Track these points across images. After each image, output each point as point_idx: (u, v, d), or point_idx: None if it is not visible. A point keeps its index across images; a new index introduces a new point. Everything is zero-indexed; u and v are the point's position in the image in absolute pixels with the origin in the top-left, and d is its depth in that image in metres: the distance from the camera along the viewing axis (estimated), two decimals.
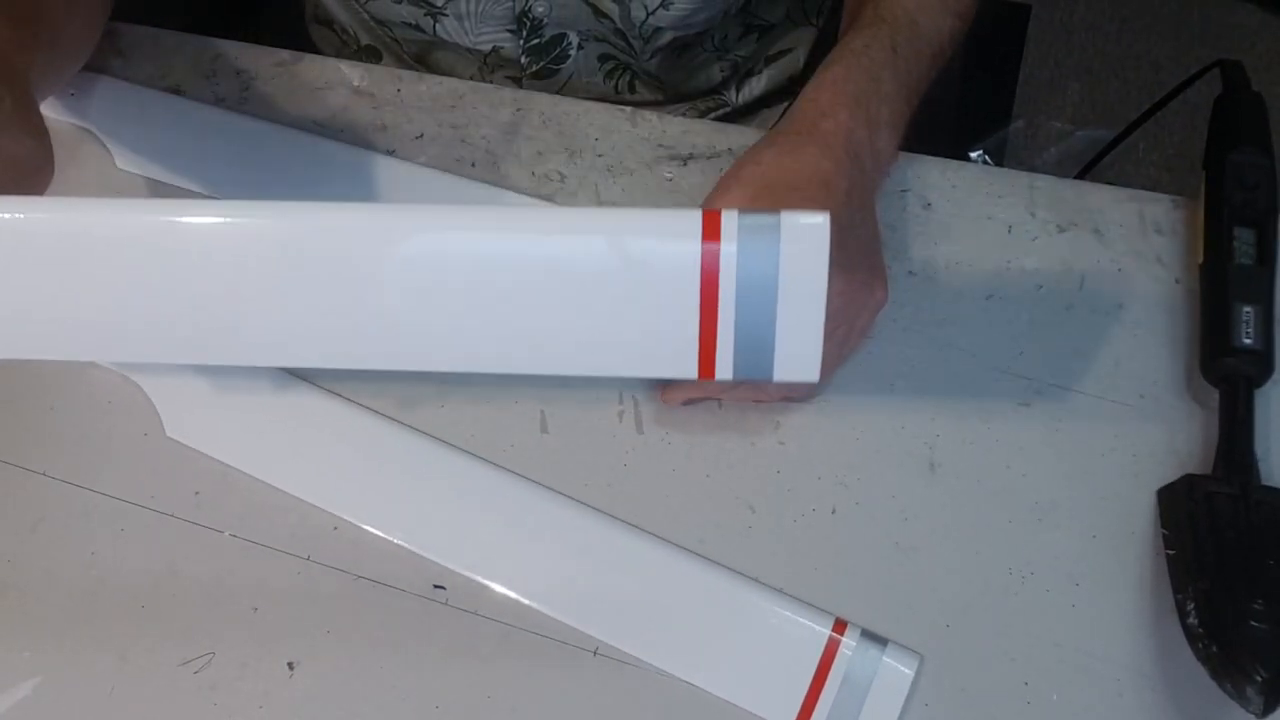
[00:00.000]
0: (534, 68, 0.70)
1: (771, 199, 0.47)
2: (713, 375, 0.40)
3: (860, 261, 0.49)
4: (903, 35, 0.54)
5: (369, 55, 0.76)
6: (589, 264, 0.39)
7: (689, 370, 0.40)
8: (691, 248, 0.38)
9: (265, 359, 0.42)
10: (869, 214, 0.51)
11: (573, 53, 0.69)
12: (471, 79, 0.73)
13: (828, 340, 0.42)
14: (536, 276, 0.39)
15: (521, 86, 0.72)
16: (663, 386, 0.54)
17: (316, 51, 0.81)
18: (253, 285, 0.39)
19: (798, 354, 0.39)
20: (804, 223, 0.37)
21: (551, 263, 0.39)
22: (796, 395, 0.53)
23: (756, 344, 0.39)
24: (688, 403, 0.54)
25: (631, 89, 0.73)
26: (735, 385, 0.48)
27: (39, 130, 0.43)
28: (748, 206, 0.42)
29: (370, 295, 0.39)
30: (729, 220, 0.38)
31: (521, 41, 0.68)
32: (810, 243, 0.37)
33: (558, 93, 0.72)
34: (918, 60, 0.54)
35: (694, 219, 0.38)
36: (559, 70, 0.70)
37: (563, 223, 0.39)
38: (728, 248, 0.38)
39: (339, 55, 0.80)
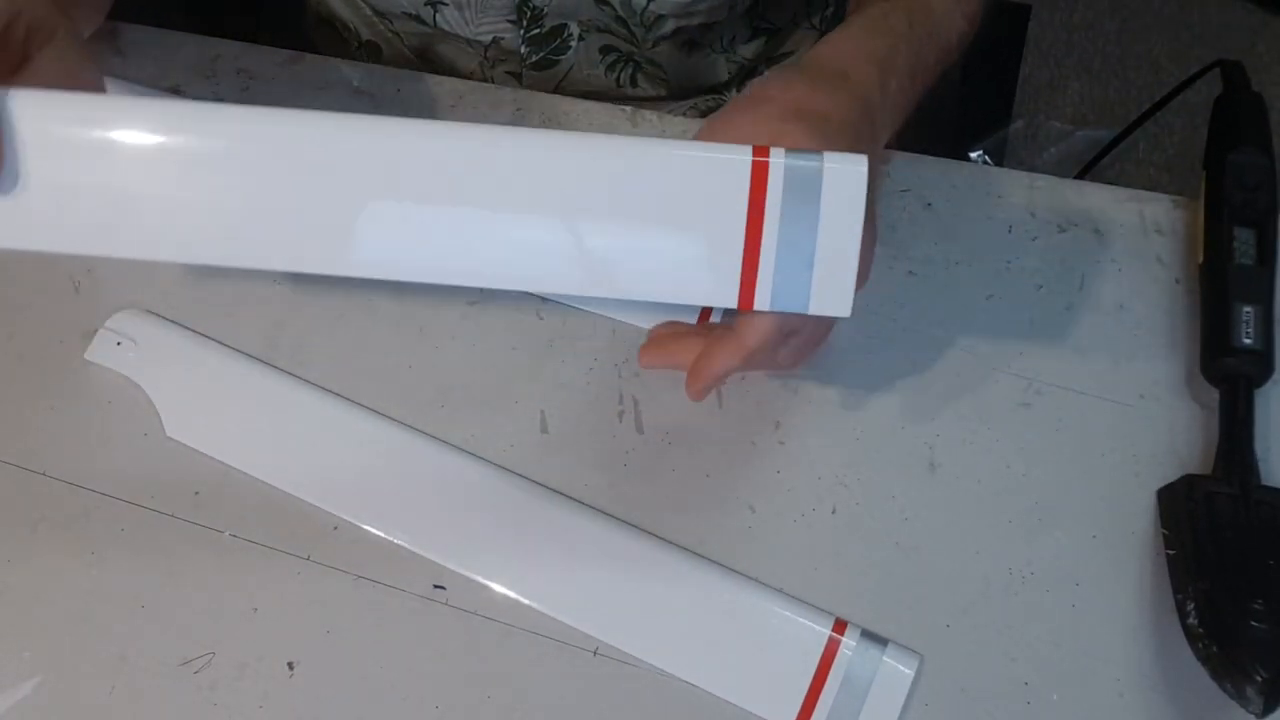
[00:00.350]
0: (534, 58, 0.70)
1: (803, 126, 0.44)
2: (751, 304, 0.42)
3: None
4: (919, 17, 0.53)
5: (370, 52, 0.76)
6: (642, 185, 0.41)
7: (730, 297, 0.42)
8: (741, 176, 0.40)
9: (368, 266, 0.43)
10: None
11: (574, 43, 0.69)
12: (472, 74, 0.73)
13: (795, 338, 0.45)
14: (594, 196, 0.41)
15: (522, 80, 0.72)
16: (686, 377, 0.51)
17: (316, 51, 0.81)
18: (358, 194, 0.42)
19: (833, 288, 0.41)
20: (847, 165, 0.40)
21: (608, 182, 0.41)
22: (807, 358, 0.51)
23: (795, 275, 0.41)
24: (707, 388, 0.51)
25: (634, 82, 0.72)
26: (756, 355, 0.47)
27: (90, 55, 0.46)
28: (778, 129, 0.43)
29: (442, 210, 0.42)
30: (776, 156, 0.40)
31: (522, 31, 0.68)
32: (851, 183, 0.40)
33: (559, 85, 0.71)
34: (930, 44, 0.53)
35: (745, 151, 0.40)
36: (559, 61, 0.70)
37: (619, 146, 0.41)
38: (775, 179, 0.40)
39: (340, 54, 0.80)
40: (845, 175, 0.40)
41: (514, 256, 0.42)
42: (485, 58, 0.71)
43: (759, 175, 0.40)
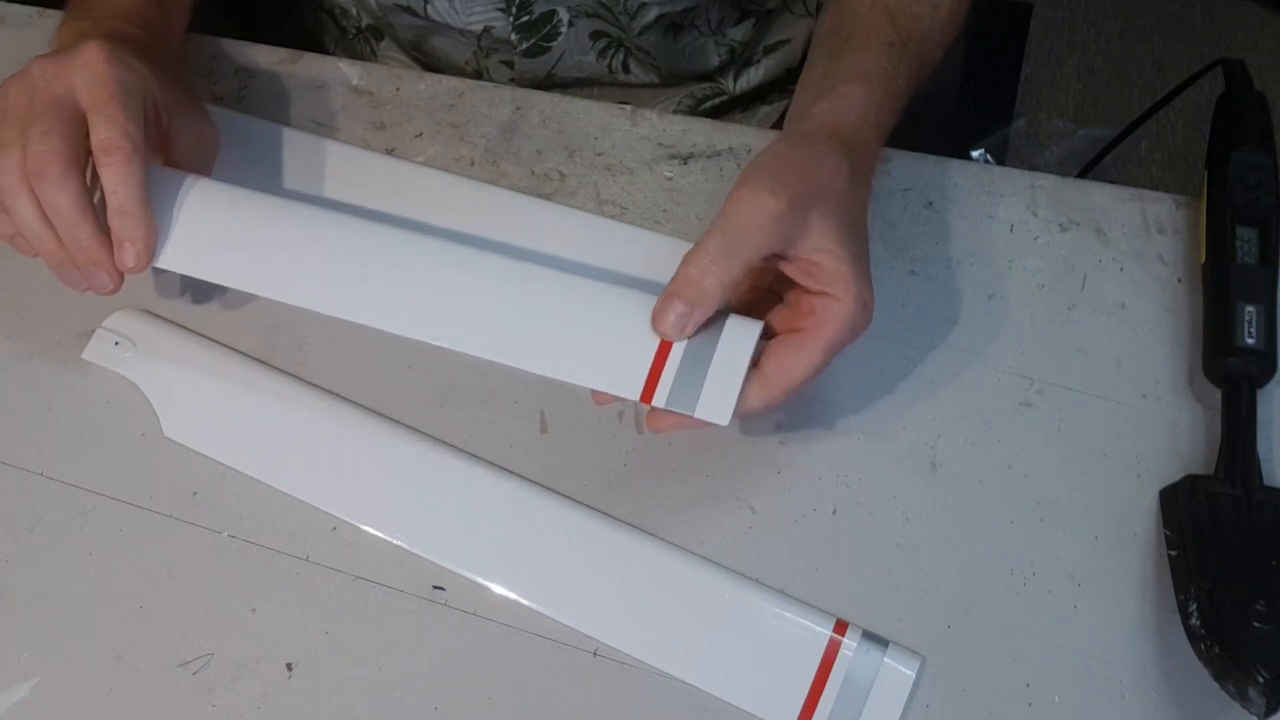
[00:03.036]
0: (525, 45, 0.69)
1: (805, 196, 0.47)
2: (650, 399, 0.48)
3: (869, 287, 0.49)
4: (912, 49, 0.56)
5: (371, 35, 0.76)
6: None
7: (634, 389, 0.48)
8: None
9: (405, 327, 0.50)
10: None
11: (563, 30, 0.69)
12: (466, 65, 0.73)
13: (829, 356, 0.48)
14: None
15: (515, 68, 0.72)
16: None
17: (312, 38, 0.81)
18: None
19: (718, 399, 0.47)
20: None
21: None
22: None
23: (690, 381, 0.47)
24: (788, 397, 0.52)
25: (625, 68, 0.72)
26: (837, 344, 0.48)
27: (204, 111, 0.58)
28: (781, 208, 0.46)
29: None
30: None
31: (511, 19, 0.68)
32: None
33: (551, 71, 0.71)
34: (912, 77, 0.56)
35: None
36: (550, 48, 0.70)
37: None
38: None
39: (339, 42, 0.79)
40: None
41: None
42: (479, 48, 0.71)
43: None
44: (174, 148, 0.56)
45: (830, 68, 0.55)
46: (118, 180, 0.50)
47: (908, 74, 0.55)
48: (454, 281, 0.51)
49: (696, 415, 0.46)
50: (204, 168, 0.57)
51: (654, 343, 0.48)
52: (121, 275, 0.52)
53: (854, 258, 0.47)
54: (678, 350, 0.47)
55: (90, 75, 0.50)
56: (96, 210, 0.51)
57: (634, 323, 0.48)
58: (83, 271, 0.51)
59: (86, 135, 0.51)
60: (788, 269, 0.48)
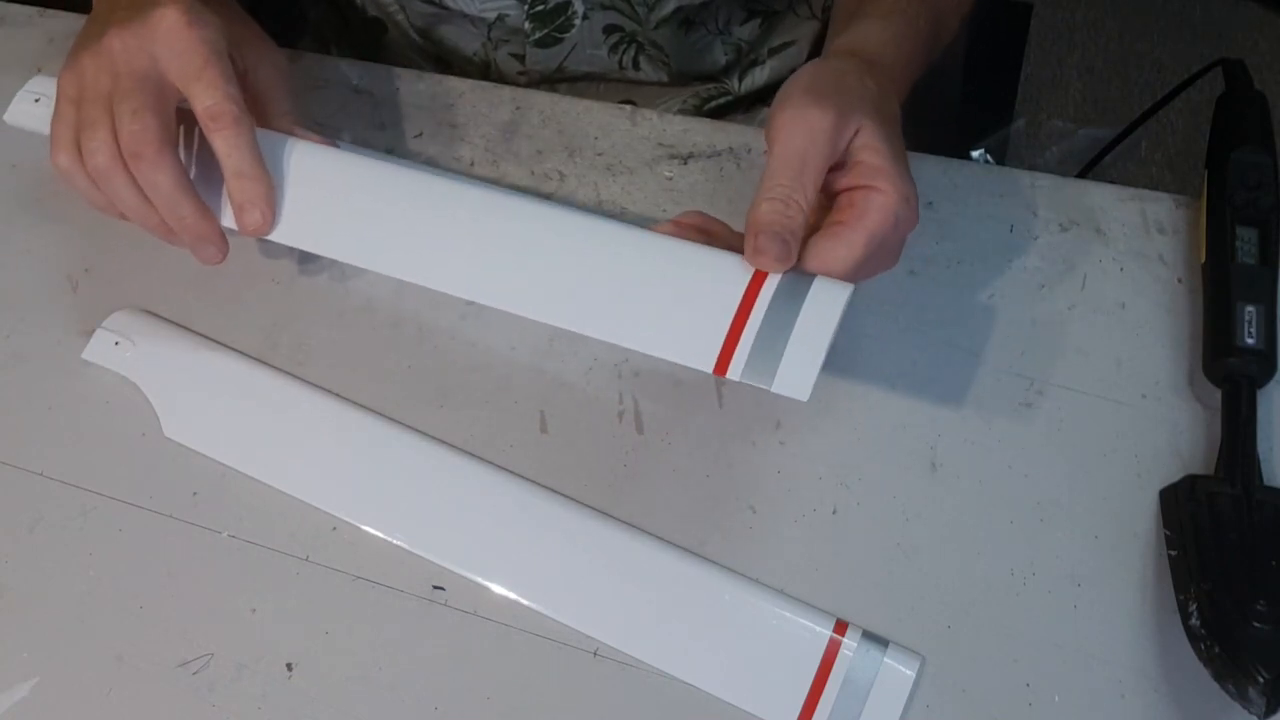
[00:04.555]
0: (538, 35, 0.69)
1: (846, 103, 0.47)
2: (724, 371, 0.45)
3: (913, 184, 0.48)
4: (930, 3, 0.56)
5: (372, 30, 0.76)
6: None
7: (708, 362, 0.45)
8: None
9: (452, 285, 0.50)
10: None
11: (578, 21, 0.69)
12: (475, 55, 0.73)
13: (881, 256, 0.48)
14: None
15: (525, 60, 0.71)
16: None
17: (310, 33, 0.81)
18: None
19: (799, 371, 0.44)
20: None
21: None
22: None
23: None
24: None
25: (636, 64, 0.72)
26: (876, 242, 0.47)
27: (270, 40, 0.58)
28: (830, 120, 0.46)
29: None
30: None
31: (526, 7, 0.68)
32: (829, 298, 0.45)
33: (561, 64, 0.71)
34: (931, 25, 0.56)
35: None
36: (563, 39, 0.70)
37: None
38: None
39: (338, 33, 0.79)
40: (827, 292, 0.45)
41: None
42: (489, 38, 0.71)
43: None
44: (255, 84, 0.55)
45: (849, 21, 0.55)
46: (231, 144, 0.50)
47: (930, 20, 0.55)
48: (509, 236, 0.49)
49: (774, 390, 0.43)
50: (283, 98, 0.57)
51: (731, 307, 0.45)
52: (227, 245, 0.53)
53: (896, 155, 0.47)
54: (757, 316, 0.44)
55: (176, 45, 0.50)
56: (193, 185, 0.51)
57: (710, 283, 0.45)
58: (190, 245, 0.52)
59: (174, 109, 0.51)
60: (835, 177, 0.48)
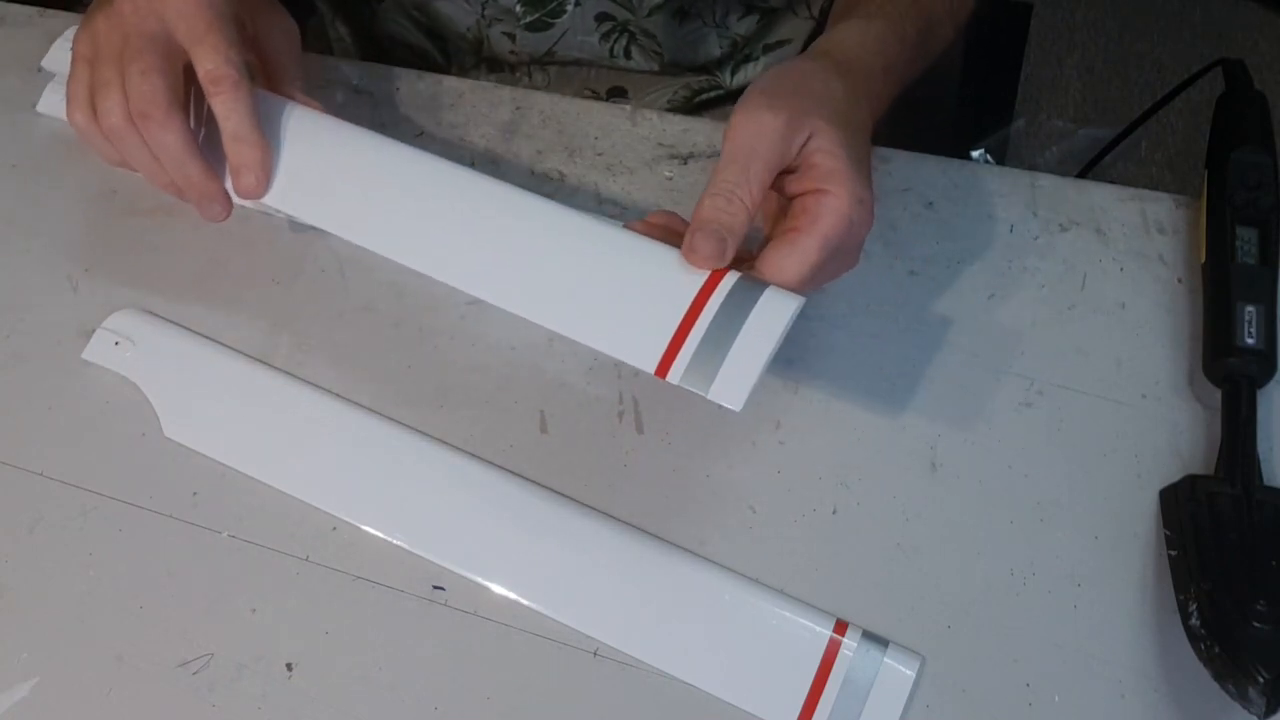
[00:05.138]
0: (529, 18, 0.69)
1: (802, 107, 0.47)
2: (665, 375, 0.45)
3: (868, 187, 0.49)
4: (921, 6, 0.56)
5: (369, 9, 0.76)
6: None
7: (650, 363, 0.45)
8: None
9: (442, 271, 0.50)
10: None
11: (570, 7, 0.69)
12: (468, 31, 0.73)
13: (839, 258, 0.48)
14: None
15: (516, 40, 0.71)
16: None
17: (312, 29, 0.80)
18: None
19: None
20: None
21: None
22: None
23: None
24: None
25: (627, 53, 0.72)
26: (830, 251, 0.47)
27: (288, 16, 0.59)
28: (781, 123, 0.46)
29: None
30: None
31: None
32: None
33: (551, 49, 0.71)
34: (920, 29, 0.56)
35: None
36: (554, 25, 0.70)
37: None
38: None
39: (335, 12, 0.79)
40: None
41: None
42: (483, 15, 0.71)
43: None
44: (266, 47, 0.57)
45: (834, 21, 0.56)
46: (229, 108, 0.51)
47: (917, 26, 0.55)
48: (477, 218, 0.50)
49: (710, 397, 0.43)
50: (293, 64, 0.58)
51: (680, 309, 0.45)
52: (231, 204, 0.54)
53: (853, 159, 0.47)
54: (704, 321, 0.44)
55: (183, 7, 0.51)
56: (201, 145, 0.52)
57: (664, 283, 0.45)
58: (195, 204, 0.53)
59: (184, 70, 0.52)
60: (789, 182, 0.48)
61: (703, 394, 0.44)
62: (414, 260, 0.50)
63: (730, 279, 0.46)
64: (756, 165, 0.46)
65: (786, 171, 0.47)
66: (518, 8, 0.69)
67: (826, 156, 0.47)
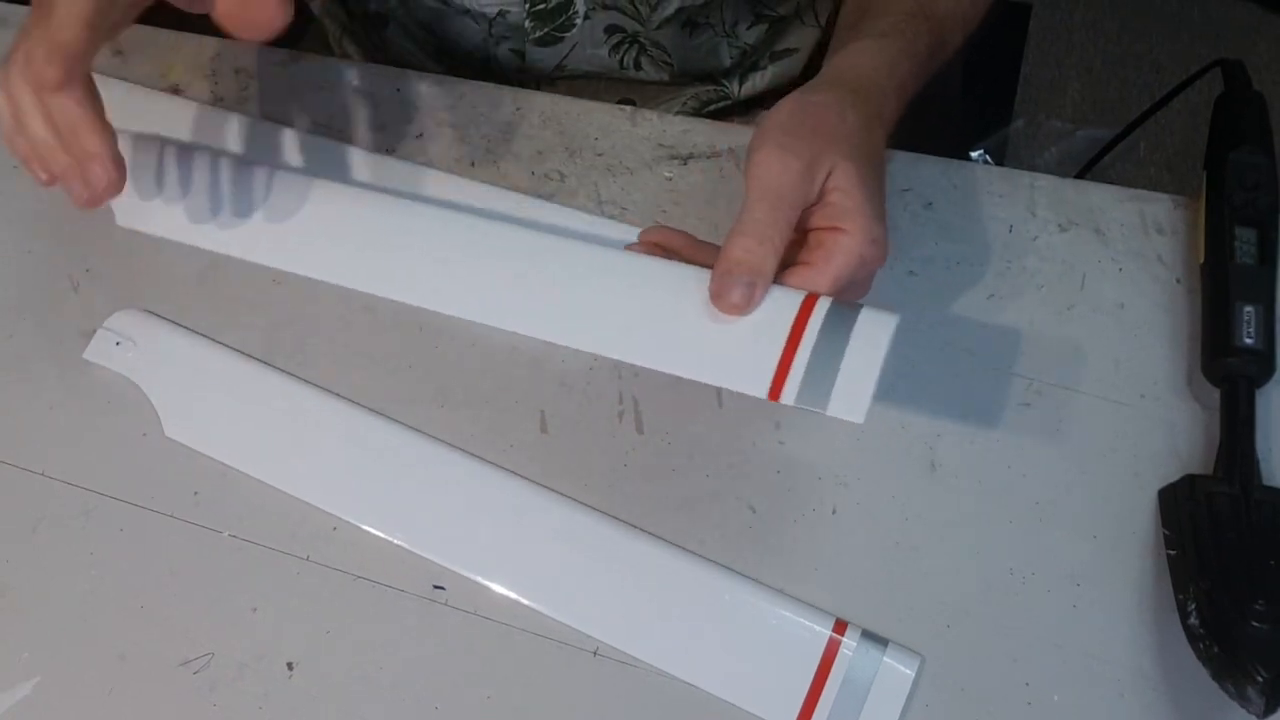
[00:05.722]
0: (538, 33, 0.69)
1: (821, 145, 0.48)
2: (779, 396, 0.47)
3: (882, 224, 0.49)
4: (933, 22, 0.56)
5: (375, 23, 0.76)
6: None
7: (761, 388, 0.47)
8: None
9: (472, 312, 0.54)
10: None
11: (579, 21, 0.68)
12: (476, 50, 0.73)
13: (850, 292, 0.49)
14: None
15: (525, 57, 0.71)
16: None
17: (318, 29, 0.81)
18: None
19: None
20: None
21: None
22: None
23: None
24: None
25: (637, 65, 0.72)
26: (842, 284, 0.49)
27: None
28: (802, 165, 0.47)
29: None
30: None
31: (527, 5, 0.68)
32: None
33: (561, 63, 0.71)
34: (932, 46, 0.56)
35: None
36: (563, 39, 0.70)
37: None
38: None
39: (346, 28, 0.79)
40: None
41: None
42: (490, 34, 0.71)
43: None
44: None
45: (847, 37, 0.56)
46: (62, 105, 0.47)
47: (928, 42, 0.55)
48: (565, 276, 0.52)
49: (829, 413, 0.45)
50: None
51: (782, 335, 0.46)
52: (116, 183, 0.49)
53: (868, 196, 0.48)
54: (807, 344, 0.46)
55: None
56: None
57: (760, 312, 0.47)
58: (79, 178, 0.49)
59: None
60: (806, 215, 0.48)
61: (821, 411, 0.45)
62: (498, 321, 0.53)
63: (824, 303, 0.47)
64: (784, 208, 0.46)
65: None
66: (527, 23, 0.69)
67: (844, 196, 0.47)
